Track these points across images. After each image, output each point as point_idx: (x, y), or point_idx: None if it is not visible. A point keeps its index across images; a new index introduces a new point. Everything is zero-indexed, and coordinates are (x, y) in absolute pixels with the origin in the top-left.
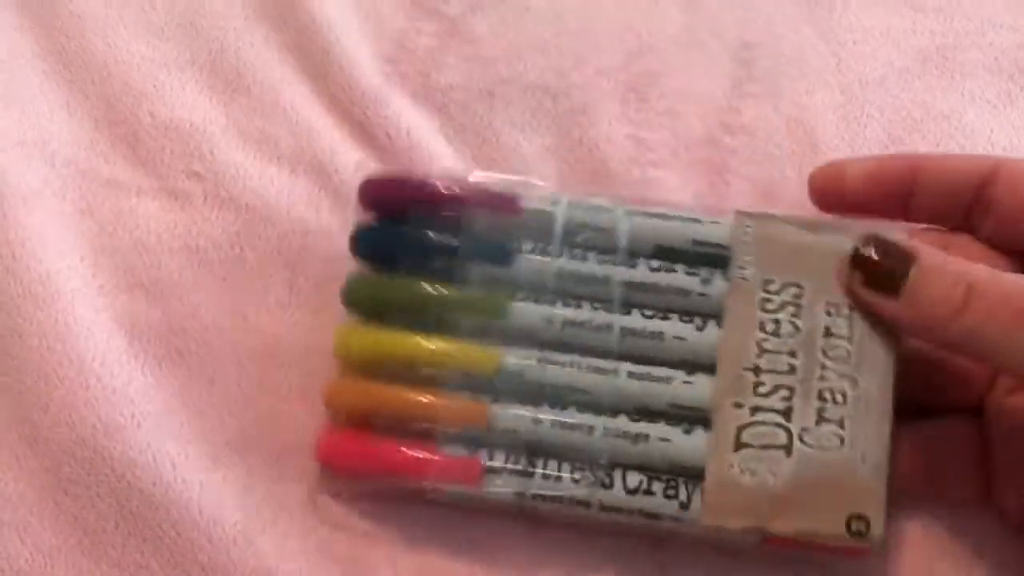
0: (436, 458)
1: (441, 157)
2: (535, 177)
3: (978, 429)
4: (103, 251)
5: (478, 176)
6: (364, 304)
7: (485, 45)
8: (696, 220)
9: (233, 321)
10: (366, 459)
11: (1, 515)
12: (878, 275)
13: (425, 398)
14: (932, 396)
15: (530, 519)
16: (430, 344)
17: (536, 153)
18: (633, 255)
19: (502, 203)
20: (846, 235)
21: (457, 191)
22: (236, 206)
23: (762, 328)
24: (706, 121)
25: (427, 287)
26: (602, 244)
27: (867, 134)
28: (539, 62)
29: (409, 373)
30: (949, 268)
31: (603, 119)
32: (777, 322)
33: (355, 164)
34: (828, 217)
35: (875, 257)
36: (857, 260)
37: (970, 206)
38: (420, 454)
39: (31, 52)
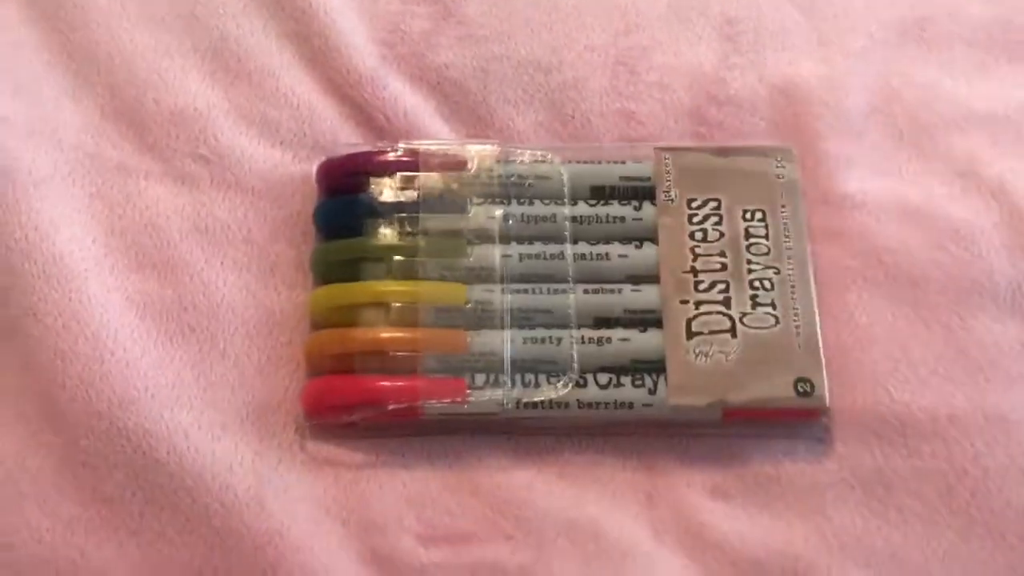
0: (423, 381)
1: (438, 135)
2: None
3: None
4: (114, 232)
5: (430, 144)
6: (334, 267)
7: (478, 25)
8: (622, 162)
9: (242, 298)
10: (351, 395)
11: (22, 488)
12: None
13: (405, 332)
14: None
15: (510, 429)
16: (401, 286)
17: (530, 128)
18: (573, 197)
19: (452, 164)
20: (747, 156)
21: (409, 158)
22: (242, 188)
23: (692, 237)
24: (693, 93)
25: (393, 238)
26: (544, 191)
27: (848, 103)
28: (531, 40)
29: (383, 317)
30: None
31: (594, 93)
32: (704, 231)
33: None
34: (732, 144)
35: None
36: None
37: None
38: (407, 381)
39: (37, 44)
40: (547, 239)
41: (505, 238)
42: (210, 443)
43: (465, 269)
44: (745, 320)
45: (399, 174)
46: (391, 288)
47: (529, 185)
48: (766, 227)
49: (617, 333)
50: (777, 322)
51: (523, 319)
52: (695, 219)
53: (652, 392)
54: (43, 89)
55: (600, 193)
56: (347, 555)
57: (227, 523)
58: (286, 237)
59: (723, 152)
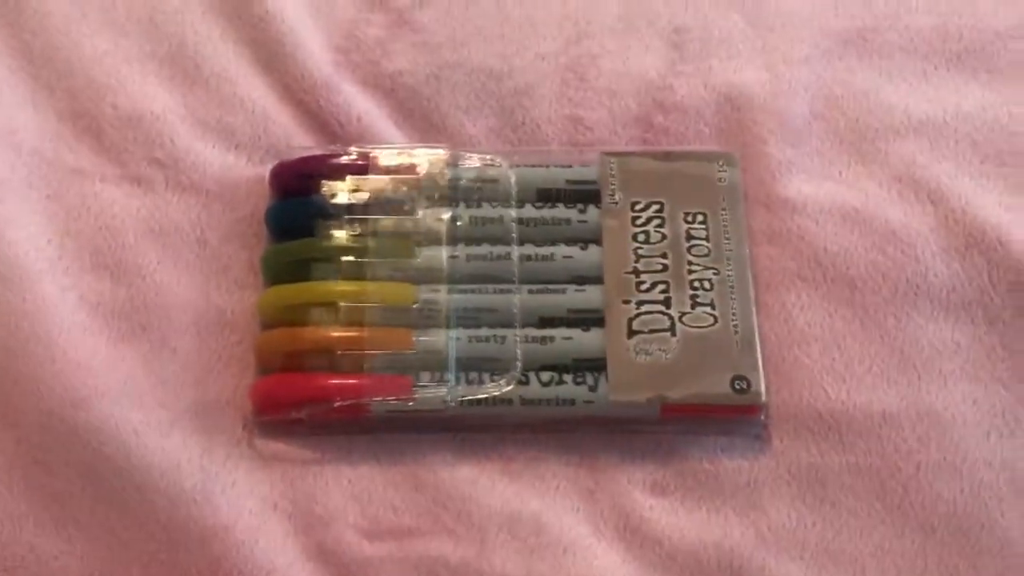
0: (369, 379)
1: (391, 141)
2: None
3: None
4: (69, 234)
5: (381, 148)
6: (285, 268)
7: (431, 33)
8: (568, 166)
9: (194, 299)
10: (300, 392)
11: None
12: None
13: (353, 331)
14: None
15: (455, 427)
16: (349, 286)
17: (481, 134)
18: (520, 200)
19: (402, 168)
20: (690, 161)
21: (360, 161)
22: (196, 191)
23: (635, 239)
24: (641, 100)
25: (343, 239)
26: (492, 194)
27: (792, 110)
28: (483, 48)
29: (331, 317)
30: None
31: (544, 100)
32: (647, 233)
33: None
34: (675, 148)
35: None
36: None
37: None
38: (353, 379)
39: None
40: (494, 241)
41: (453, 240)
42: (159, 440)
43: (413, 270)
44: (684, 319)
45: (350, 177)
46: (340, 288)
47: (477, 188)
48: (707, 229)
49: (561, 332)
50: (716, 321)
51: (469, 318)
52: (638, 221)
53: (593, 389)
54: (2, 93)
55: (547, 196)
56: (292, 549)
57: (174, 518)
58: (239, 239)
59: (667, 157)
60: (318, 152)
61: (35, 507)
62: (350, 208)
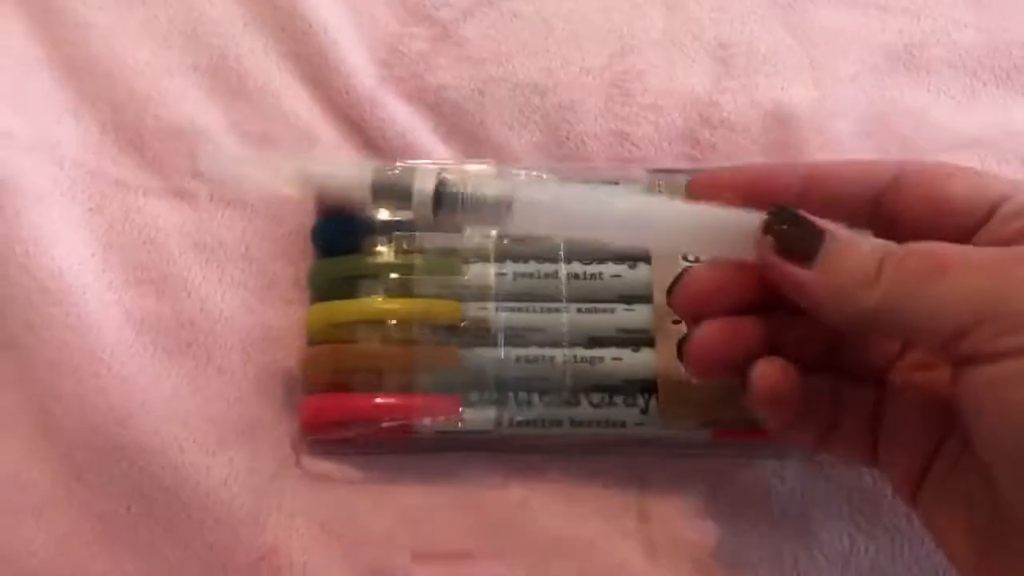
0: (417, 399)
1: (435, 155)
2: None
3: (877, 397)
4: (112, 248)
5: (427, 164)
6: (332, 284)
7: (475, 48)
8: (614, 182)
9: (240, 315)
10: (348, 411)
11: (17, 502)
12: (792, 241)
13: (400, 349)
14: (839, 363)
15: (504, 447)
16: (396, 303)
17: (525, 149)
18: None
19: None
20: None
21: None
22: (241, 205)
23: (684, 258)
24: (687, 115)
25: (390, 256)
26: None
27: (838, 128)
28: (527, 63)
29: (378, 334)
30: (864, 240)
31: (589, 115)
32: None
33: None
34: (723, 166)
35: (788, 226)
36: (771, 226)
37: (870, 216)
38: (401, 399)
39: (39, 60)
40: (541, 258)
41: (500, 257)
42: (205, 458)
43: (460, 287)
44: None
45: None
46: (386, 305)
47: None
48: None
49: (610, 352)
50: None
51: (516, 337)
52: None
53: (644, 411)
54: (45, 105)
55: None
56: (341, 572)
57: (221, 539)
58: (284, 254)
59: None
60: None
61: (80, 526)
62: (396, 225)
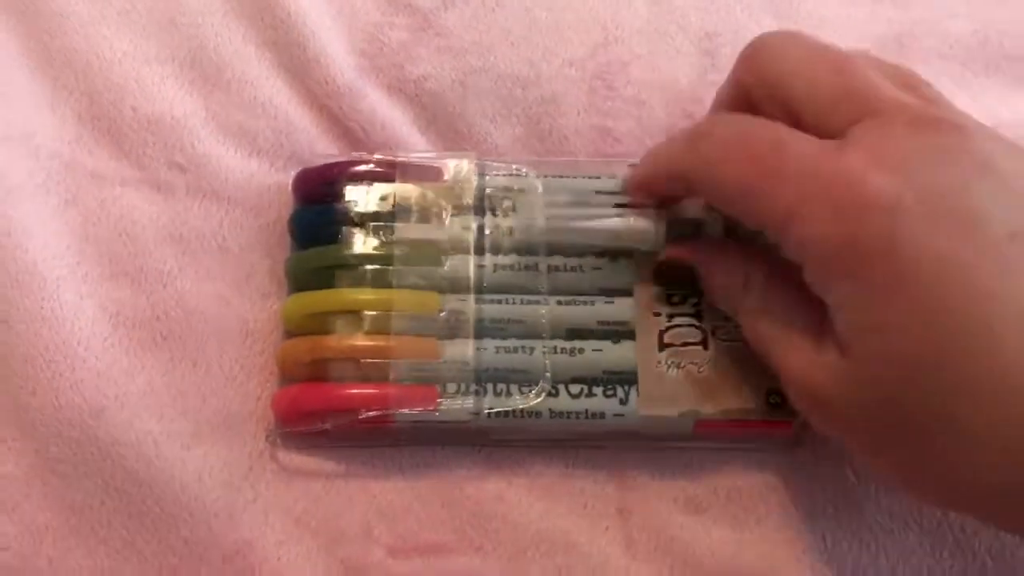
0: (394, 389)
1: (415, 148)
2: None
3: None
4: (88, 240)
5: (407, 155)
6: (309, 275)
7: (457, 38)
8: (596, 177)
9: (216, 307)
10: (323, 402)
11: None
12: (678, 285)
13: (378, 340)
14: None
15: (482, 439)
16: (373, 294)
17: (507, 143)
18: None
19: (428, 175)
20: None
21: (384, 169)
22: (218, 197)
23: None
24: (670, 110)
25: (368, 246)
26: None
27: None
28: (509, 53)
29: (356, 325)
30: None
31: (572, 109)
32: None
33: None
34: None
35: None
36: (658, 279)
37: None
38: (378, 389)
39: (15, 50)
40: (521, 251)
41: (480, 249)
42: (180, 452)
43: (439, 278)
44: (718, 332)
45: (375, 184)
46: (363, 296)
47: (505, 198)
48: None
49: (590, 344)
50: None
51: (496, 329)
52: (669, 232)
53: (624, 403)
54: (20, 95)
55: (575, 206)
56: (316, 566)
57: (196, 533)
58: (262, 246)
59: None
60: (342, 158)
61: (55, 519)
62: (375, 215)
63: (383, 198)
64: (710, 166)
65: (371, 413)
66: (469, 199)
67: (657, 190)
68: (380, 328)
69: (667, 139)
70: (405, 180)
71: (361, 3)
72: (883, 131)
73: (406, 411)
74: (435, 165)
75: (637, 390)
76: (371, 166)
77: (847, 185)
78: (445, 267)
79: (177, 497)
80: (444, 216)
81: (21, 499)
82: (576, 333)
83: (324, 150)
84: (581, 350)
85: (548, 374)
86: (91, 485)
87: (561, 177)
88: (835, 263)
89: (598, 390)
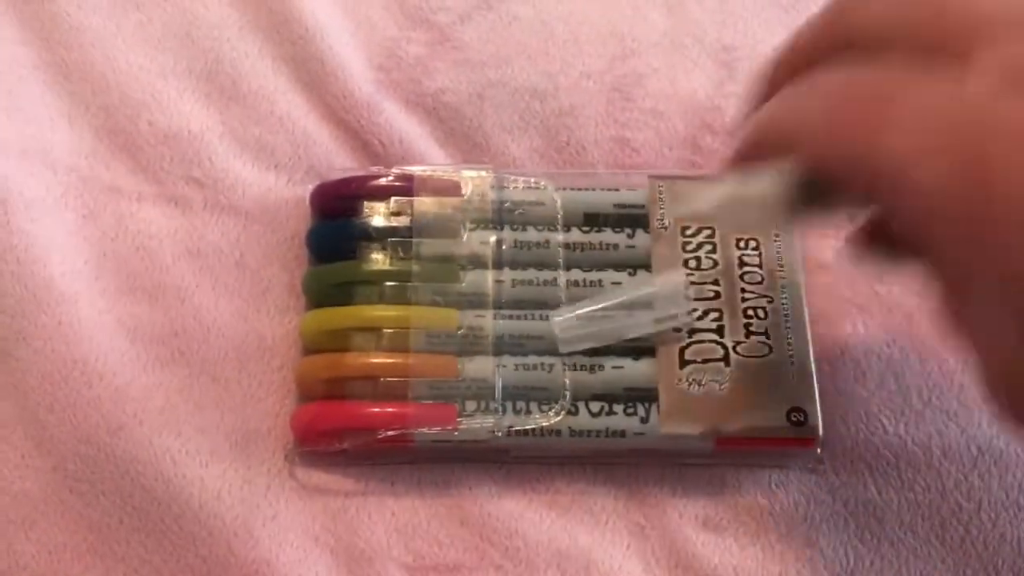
0: (413, 407)
1: (433, 161)
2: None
3: None
4: (105, 255)
5: (424, 169)
6: (327, 291)
7: (474, 51)
8: (615, 189)
9: (234, 323)
10: (342, 421)
11: (8, 513)
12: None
13: (397, 357)
14: None
15: (501, 458)
16: (392, 311)
17: (525, 154)
18: (566, 224)
19: (446, 189)
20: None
21: (402, 183)
22: (236, 212)
23: (686, 265)
24: (688, 121)
25: (386, 262)
26: (538, 217)
27: None
28: (527, 66)
29: (374, 342)
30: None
31: (590, 121)
32: (698, 259)
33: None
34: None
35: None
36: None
37: None
38: (397, 408)
39: (32, 64)
40: (540, 265)
41: (498, 264)
42: (198, 469)
43: (457, 294)
44: (738, 349)
45: (393, 199)
46: (382, 313)
47: (522, 212)
48: (760, 256)
49: (610, 361)
50: (770, 351)
51: (515, 345)
52: (688, 247)
53: (644, 420)
54: (37, 109)
55: (594, 220)
56: None
57: (214, 551)
58: (279, 261)
59: (714, 182)
60: (360, 173)
61: (72, 537)
62: (393, 231)
63: (401, 212)
64: (816, 123)
65: (390, 432)
66: (486, 213)
67: (764, 156)
68: (398, 345)
69: (764, 106)
70: (423, 194)
71: (378, 18)
72: (1004, 50)
73: (425, 430)
74: (453, 178)
75: (658, 408)
76: (389, 180)
77: (977, 117)
78: (463, 283)
79: (196, 515)
80: (462, 230)
81: (39, 517)
82: (596, 349)
83: (342, 164)
84: (601, 367)
85: (568, 392)
86: (109, 503)
87: (580, 190)
88: (960, 213)
89: (618, 408)
